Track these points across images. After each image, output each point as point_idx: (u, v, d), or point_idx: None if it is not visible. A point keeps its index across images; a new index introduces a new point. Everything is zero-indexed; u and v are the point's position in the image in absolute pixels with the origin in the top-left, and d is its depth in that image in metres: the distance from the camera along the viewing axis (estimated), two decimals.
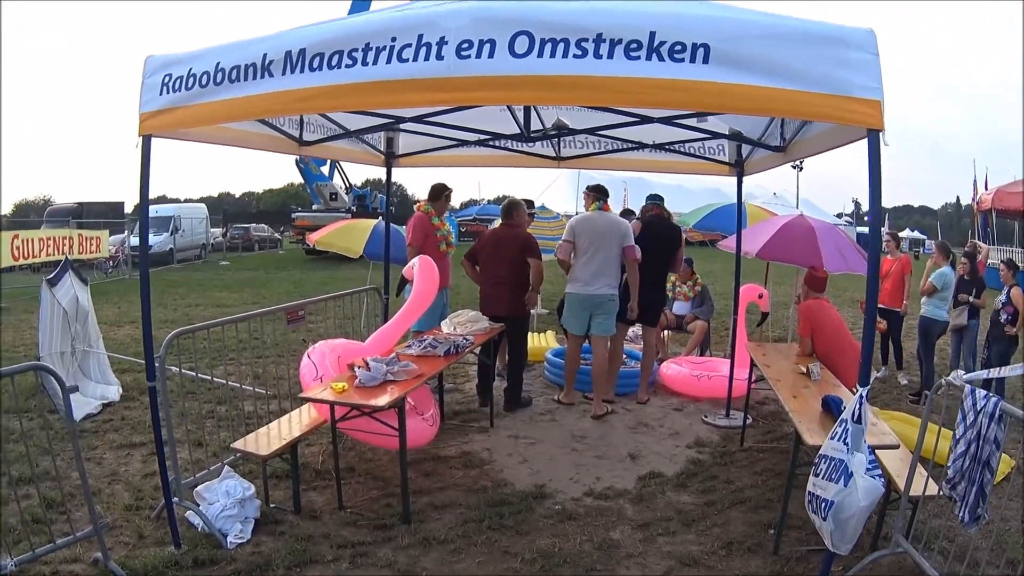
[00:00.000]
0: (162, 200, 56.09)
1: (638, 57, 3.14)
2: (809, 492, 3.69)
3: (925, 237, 48.08)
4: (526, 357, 8.24)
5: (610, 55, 3.16)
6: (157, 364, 4.64)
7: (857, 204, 52.17)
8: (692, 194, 30.95)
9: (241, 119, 4.51)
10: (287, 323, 6.30)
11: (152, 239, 30.61)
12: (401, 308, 6.69)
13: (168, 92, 3.97)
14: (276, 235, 46.15)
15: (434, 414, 6.18)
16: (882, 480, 3.49)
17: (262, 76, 3.67)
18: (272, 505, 5.18)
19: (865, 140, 3.30)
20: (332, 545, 4.62)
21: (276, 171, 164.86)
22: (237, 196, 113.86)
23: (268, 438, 5.19)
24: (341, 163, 32.04)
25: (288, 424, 5.50)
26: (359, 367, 5.21)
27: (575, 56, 3.17)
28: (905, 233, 45.24)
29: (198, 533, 4.73)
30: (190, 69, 3.89)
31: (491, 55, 3.23)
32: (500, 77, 3.24)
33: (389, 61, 3.37)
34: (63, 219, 26.98)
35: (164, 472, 4.66)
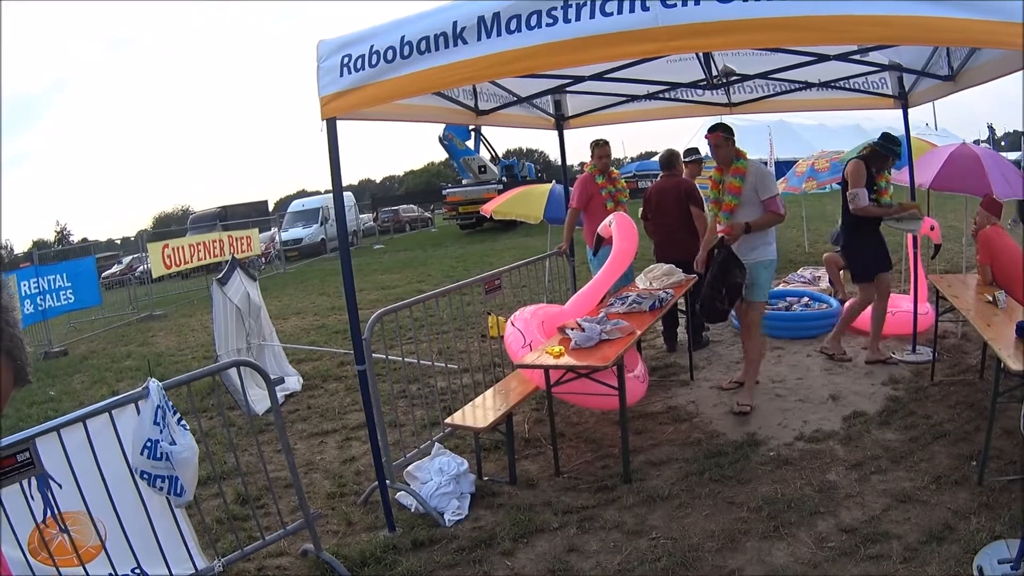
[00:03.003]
0: (303, 194, 57.89)
1: None
2: None
3: None
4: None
5: None
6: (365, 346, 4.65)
7: (992, 129, 47.75)
8: (834, 133, 29.09)
9: (437, 89, 4.51)
10: (484, 293, 6.31)
11: (302, 232, 31.75)
12: (602, 267, 6.62)
13: (350, 72, 3.94)
14: (427, 214, 45.69)
15: (643, 370, 6.12)
16: None
17: (455, 44, 3.59)
18: (486, 478, 5.18)
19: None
20: (556, 512, 4.57)
21: (415, 153, 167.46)
22: (378, 181, 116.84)
23: (481, 411, 5.15)
24: (484, 135, 31.99)
25: (495, 395, 5.46)
26: (571, 329, 5.12)
27: None
28: None
29: (411, 515, 4.74)
30: (371, 46, 3.84)
31: (697, 2, 3.12)
32: (710, 23, 3.13)
33: (592, 16, 3.28)
34: (209, 224, 27.97)
35: (377, 455, 4.65)
